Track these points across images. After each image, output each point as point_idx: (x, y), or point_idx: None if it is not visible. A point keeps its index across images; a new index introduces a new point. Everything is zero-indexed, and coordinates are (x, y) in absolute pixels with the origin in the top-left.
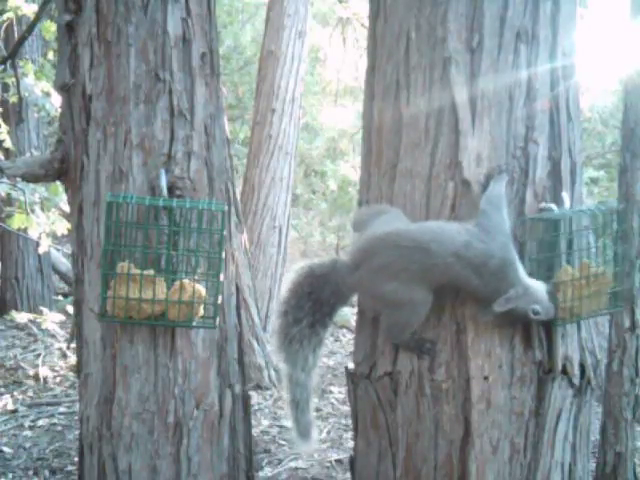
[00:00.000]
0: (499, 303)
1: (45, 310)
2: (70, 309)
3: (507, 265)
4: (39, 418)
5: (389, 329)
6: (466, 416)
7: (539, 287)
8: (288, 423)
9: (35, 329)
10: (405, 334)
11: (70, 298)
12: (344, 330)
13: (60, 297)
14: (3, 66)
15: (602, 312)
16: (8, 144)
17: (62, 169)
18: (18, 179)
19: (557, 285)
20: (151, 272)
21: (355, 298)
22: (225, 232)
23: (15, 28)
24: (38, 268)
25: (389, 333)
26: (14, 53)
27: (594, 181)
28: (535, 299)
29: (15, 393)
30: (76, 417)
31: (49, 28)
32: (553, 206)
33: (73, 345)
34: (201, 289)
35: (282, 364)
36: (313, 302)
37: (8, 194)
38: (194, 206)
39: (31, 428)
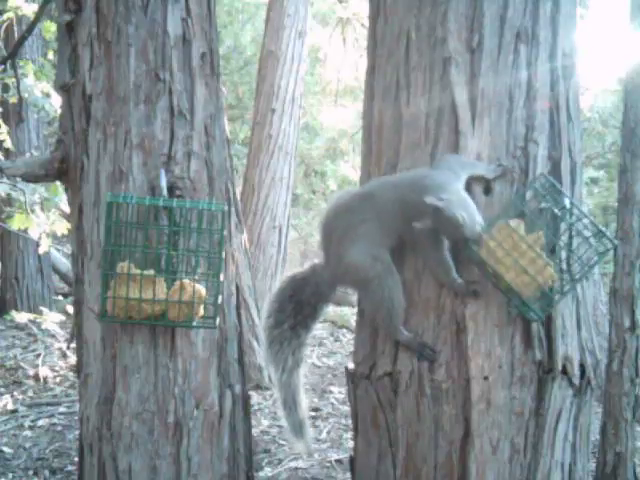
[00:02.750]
0: (428, 197)
1: (45, 310)
2: (70, 309)
3: (442, 175)
4: (39, 418)
5: (380, 319)
6: (466, 416)
7: (472, 204)
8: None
9: (35, 329)
10: (396, 321)
11: (70, 298)
12: (344, 330)
13: (60, 297)
14: (3, 66)
15: (520, 298)
16: (8, 144)
17: (62, 169)
18: (18, 179)
19: (504, 226)
20: (151, 272)
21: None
22: (225, 232)
23: (15, 28)
24: (38, 268)
25: (383, 324)
26: (14, 53)
27: (594, 181)
28: (464, 207)
29: (15, 393)
30: (76, 417)
31: (49, 28)
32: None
33: (73, 345)
34: (201, 289)
35: (268, 367)
36: (295, 304)
37: (8, 194)
38: (194, 206)
39: (31, 428)
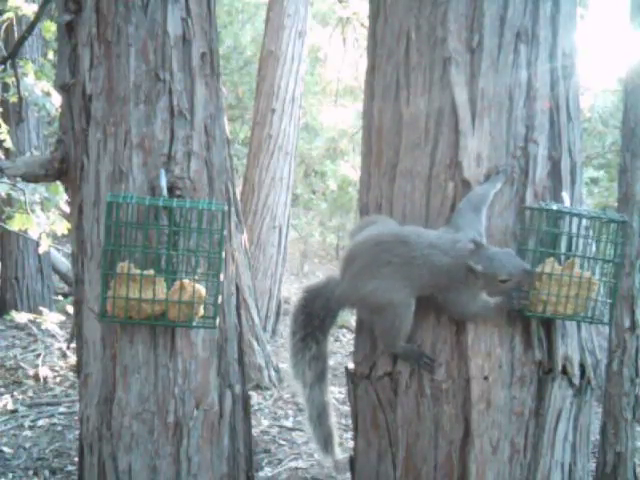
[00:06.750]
0: (471, 261)
1: (45, 310)
2: (70, 309)
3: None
4: (39, 418)
5: (382, 338)
6: (466, 416)
7: (507, 254)
8: (288, 423)
9: (35, 329)
10: (397, 341)
11: (70, 298)
12: (344, 330)
13: (60, 297)
14: (3, 66)
15: (582, 319)
16: (8, 144)
17: (62, 169)
18: (18, 179)
19: (538, 275)
20: (151, 272)
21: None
22: (225, 232)
23: (15, 28)
24: (38, 268)
25: (384, 342)
26: (14, 53)
27: (594, 181)
28: (505, 260)
29: (15, 393)
30: (76, 417)
31: (49, 28)
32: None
33: (73, 345)
34: (201, 289)
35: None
36: (305, 315)
37: (8, 194)
38: (194, 206)
39: (31, 428)
